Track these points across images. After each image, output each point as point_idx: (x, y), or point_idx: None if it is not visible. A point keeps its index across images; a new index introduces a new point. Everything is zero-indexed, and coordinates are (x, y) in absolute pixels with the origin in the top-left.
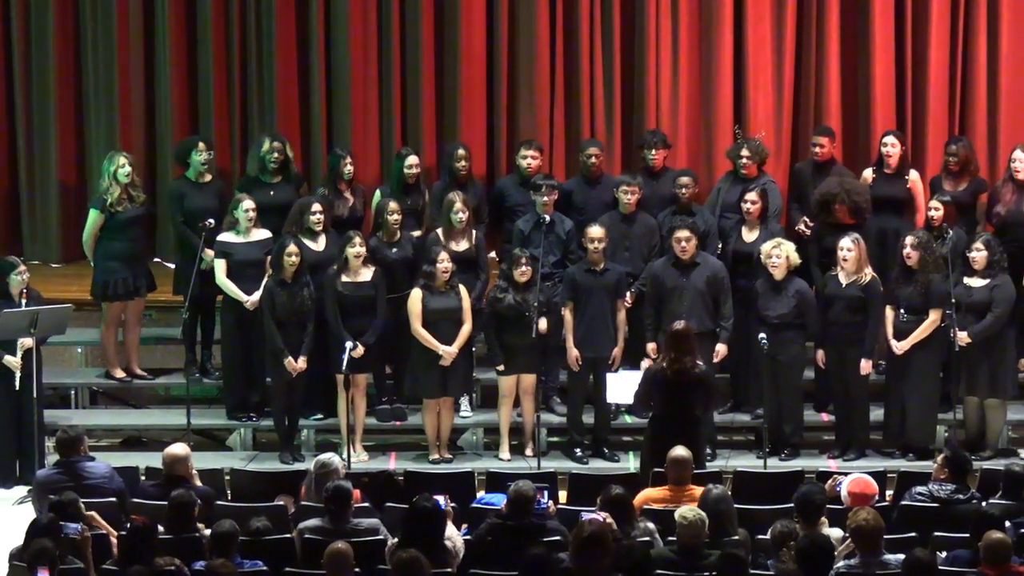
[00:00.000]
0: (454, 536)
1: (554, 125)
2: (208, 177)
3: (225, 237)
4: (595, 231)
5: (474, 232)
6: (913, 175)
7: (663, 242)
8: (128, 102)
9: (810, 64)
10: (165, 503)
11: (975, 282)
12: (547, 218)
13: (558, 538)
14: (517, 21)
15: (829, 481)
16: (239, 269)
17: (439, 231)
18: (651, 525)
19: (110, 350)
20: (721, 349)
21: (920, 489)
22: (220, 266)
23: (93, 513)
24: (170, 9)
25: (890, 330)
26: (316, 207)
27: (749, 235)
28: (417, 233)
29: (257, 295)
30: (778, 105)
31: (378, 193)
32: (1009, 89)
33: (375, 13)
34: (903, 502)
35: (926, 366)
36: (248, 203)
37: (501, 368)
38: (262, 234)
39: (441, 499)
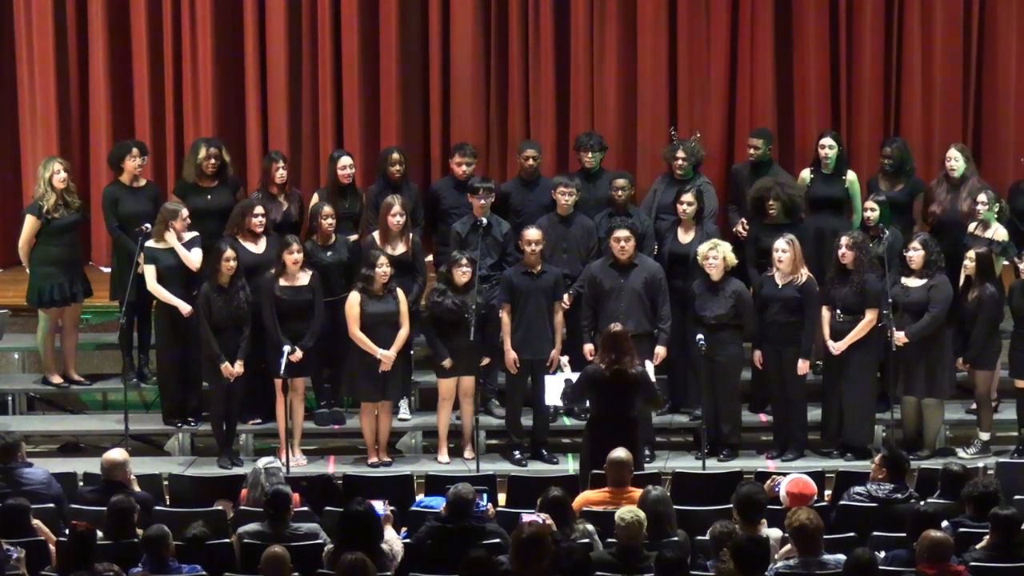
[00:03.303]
0: (392, 540)
1: (490, 127)
2: (142, 182)
3: (153, 243)
4: (532, 233)
5: (410, 235)
6: (851, 175)
7: (601, 244)
8: (63, 106)
9: (744, 65)
10: (104, 509)
11: (912, 282)
12: (484, 220)
13: (497, 540)
14: (451, 21)
15: (768, 482)
16: (169, 275)
17: (375, 234)
18: (590, 527)
19: (47, 356)
20: (660, 351)
21: (858, 489)
22: (150, 272)
23: (37, 522)
24: (104, 13)
25: (827, 330)
26: (258, 209)
27: (685, 236)
28: (354, 237)
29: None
30: (713, 106)
31: (315, 196)
32: (943, 89)
33: (308, 15)
34: (841, 502)
35: (863, 366)
36: (184, 211)
37: (448, 363)
38: (189, 237)
39: (379, 504)
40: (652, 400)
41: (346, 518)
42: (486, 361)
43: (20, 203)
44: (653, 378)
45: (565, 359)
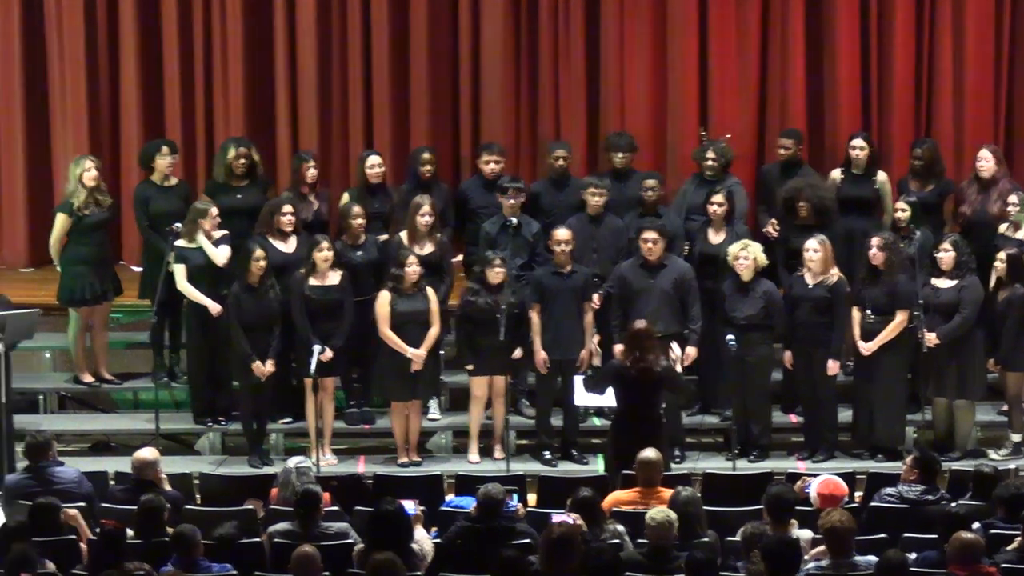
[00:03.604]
0: (423, 539)
1: (520, 127)
2: (173, 180)
3: (183, 242)
4: (561, 233)
5: (439, 236)
6: (881, 176)
7: (631, 244)
8: (93, 106)
9: (775, 65)
10: (134, 508)
11: (943, 283)
12: (514, 220)
13: (527, 540)
14: (481, 21)
15: (798, 483)
16: (199, 274)
17: (403, 234)
18: (620, 527)
19: (78, 355)
20: (691, 352)
21: (889, 490)
22: (180, 271)
23: (75, 512)
24: (134, 12)
25: (857, 331)
26: (287, 208)
27: (715, 237)
28: (384, 237)
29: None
30: (744, 107)
31: (345, 196)
32: (974, 90)
33: (337, 14)
34: (872, 503)
35: (894, 367)
36: (213, 209)
37: (471, 368)
38: (219, 236)
39: (410, 504)
40: (679, 391)
41: (376, 518)
42: (518, 353)
43: (51, 203)
44: (679, 355)
45: (597, 344)
